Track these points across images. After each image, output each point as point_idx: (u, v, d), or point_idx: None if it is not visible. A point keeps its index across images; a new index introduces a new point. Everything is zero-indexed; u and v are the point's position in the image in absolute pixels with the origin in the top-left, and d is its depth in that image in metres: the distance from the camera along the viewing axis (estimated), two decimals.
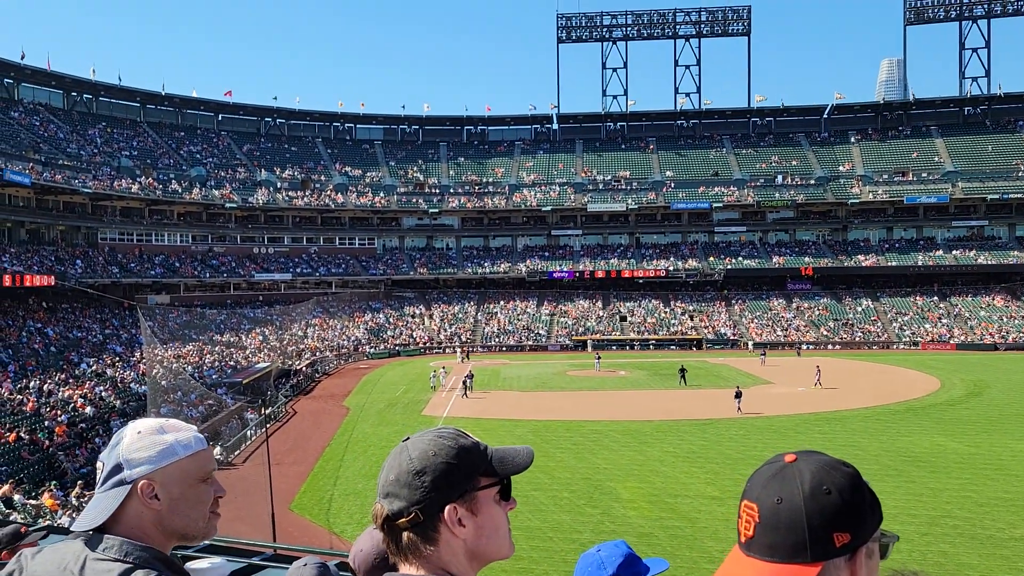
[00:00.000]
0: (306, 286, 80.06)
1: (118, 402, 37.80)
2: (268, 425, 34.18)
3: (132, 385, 41.64)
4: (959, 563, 18.25)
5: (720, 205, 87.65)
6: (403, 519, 1.52)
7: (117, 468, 1.77)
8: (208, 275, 74.00)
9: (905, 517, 21.73)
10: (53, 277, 53.68)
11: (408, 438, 1.61)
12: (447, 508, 1.53)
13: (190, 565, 1.79)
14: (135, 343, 51.68)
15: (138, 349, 49.49)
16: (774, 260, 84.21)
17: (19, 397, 34.16)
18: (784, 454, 1.43)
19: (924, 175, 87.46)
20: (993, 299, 77.49)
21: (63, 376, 39.58)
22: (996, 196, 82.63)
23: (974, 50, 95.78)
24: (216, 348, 56.57)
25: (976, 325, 73.59)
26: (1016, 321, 73.42)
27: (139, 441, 1.80)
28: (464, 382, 47.23)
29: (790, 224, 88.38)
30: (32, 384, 36.73)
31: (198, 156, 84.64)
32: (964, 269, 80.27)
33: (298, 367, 57.57)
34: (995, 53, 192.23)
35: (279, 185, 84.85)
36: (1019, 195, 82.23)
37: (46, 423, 31.53)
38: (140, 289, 67.09)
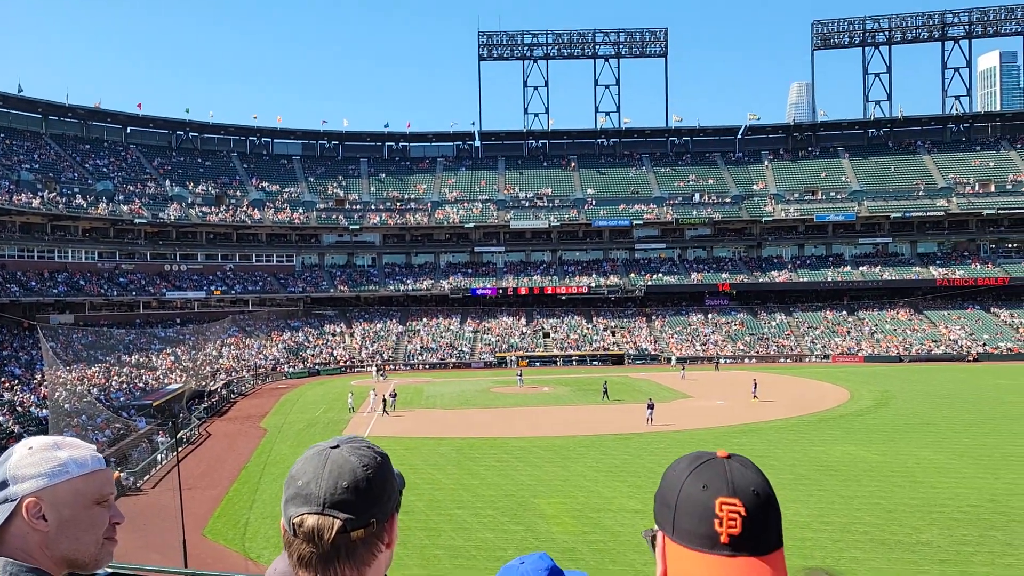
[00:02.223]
0: (221, 304, 77.71)
1: (16, 427, 35.79)
2: (180, 448, 32.83)
3: (32, 409, 39.52)
4: (870, 568, 18.73)
5: (640, 222, 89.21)
6: (360, 530, 1.45)
7: (3, 484, 1.61)
8: (116, 293, 71.06)
9: (818, 524, 22.25)
10: None
11: (338, 446, 1.52)
12: (391, 519, 1.53)
13: None
14: (36, 365, 49.11)
15: (39, 371, 47.03)
16: (693, 276, 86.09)
17: None
18: (703, 452, 1.45)
19: (832, 194, 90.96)
20: (898, 313, 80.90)
21: None
22: (899, 214, 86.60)
23: (876, 75, 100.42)
24: (124, 369, 54.29)
25: (882, 338, 76.61)
26: (919, 334, 76.76)
27: (29, 457, 1.65)
28: (385, 400, 46.51)
29: (708, 241, 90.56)
30: None
31: (105, 170, 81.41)
32: (870, 284, 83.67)
33: (213, 388, 55.72)
34: (897, 78, 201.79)
35: (192, 200, 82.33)
36: (920, 213, 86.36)
37: None
38: (42, 308, 63.90)
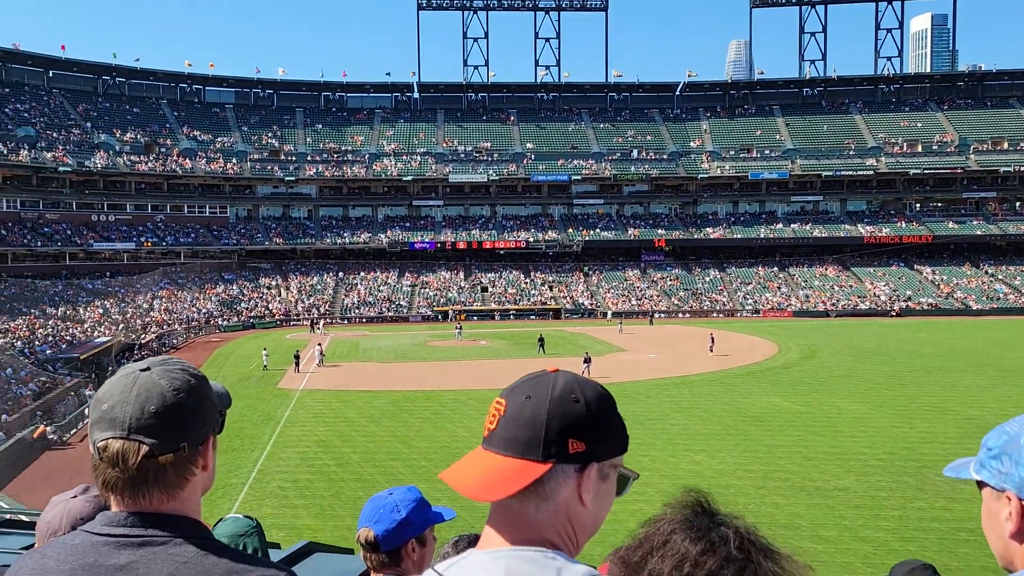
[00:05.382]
0: (152, 256, 75.75)
1: None
2: None
3: None
4: (790, 513, 19.58)
5: (579, 178, 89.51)
6: (170, 455, 1.42)
7: None
8: (40, 244, 68.62)
9: (742, 472, 23.10)
10: None
11: (149, 368, 1.48)
12: (206, 442, 1.51)
13: None
14: None
15: None
16: (630, 232, 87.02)
17: None
18: (549, 368, 1.47)
19: (767, 152, 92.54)
20: (826, 270, 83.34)
21: None
22: (830, 173, 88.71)
23: (812, 34, 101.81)
24: (50, 322, 52.69)
25: (811, 294, 78.92)
26: (846, 290, 79.31)
27: None
28: (318, 351, 46.56)
29: (645, 197, 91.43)
30: None
31: (26, 115, 77.82)
32: (801, 241, 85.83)
33: (143, 341, 54.55)
34: (832, 38, 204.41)
35: (120, 148, 79.48)
36: (850, 172, 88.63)
37: None
38: None
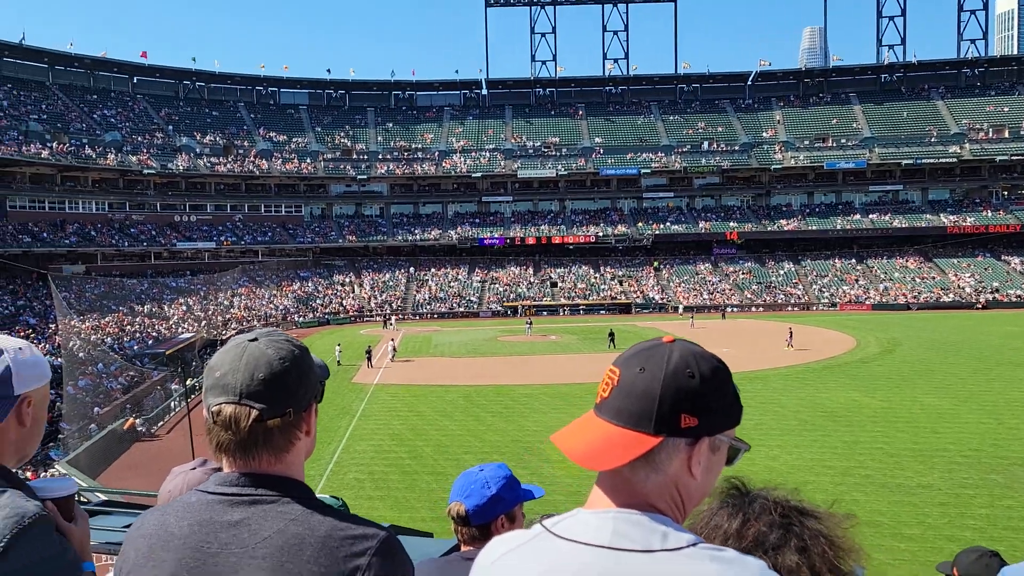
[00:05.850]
0: (231, 255, 78.17)
1: None
2: (191, 396, 33.42)
3: (47, 358, 40.05)
4: (870, 510, 19.08)
5: (648, 171, 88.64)
6: (277, 419, 1.52)
7: (1, 381, 1.72)
8: (127, 244, 71.51)
9: (820, 468, 22.63)
10: None
11: (256, 339, 1.59)
12: (309, 408, 1.59)
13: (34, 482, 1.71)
14: (49, 315, 49.73)
15: (53, 321, 47.66)
16: (701, 225, 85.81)
17: None
18: (665, 336, 1.47)
19: (843, 141, 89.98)
20: (907, 261, 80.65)
21: None
22: (910, 161, 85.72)
23: (891, 18, 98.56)
24: (137, 319, 54.92)
25: (891, 286, 76.51)
26: (928, 282, 76.63)
27: (22, 355, 1.77)
28: (391, 347, 47.46)
29: (716, 190, 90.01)
30: None
31: (112, 120, 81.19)
32: (880, 232, 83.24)
33: (224, 337, 56.33)
34: (911, 21, 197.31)
35: (200, 151, 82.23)
36: (931, 160, 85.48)
37: None
38: (54, 259, 64.37)
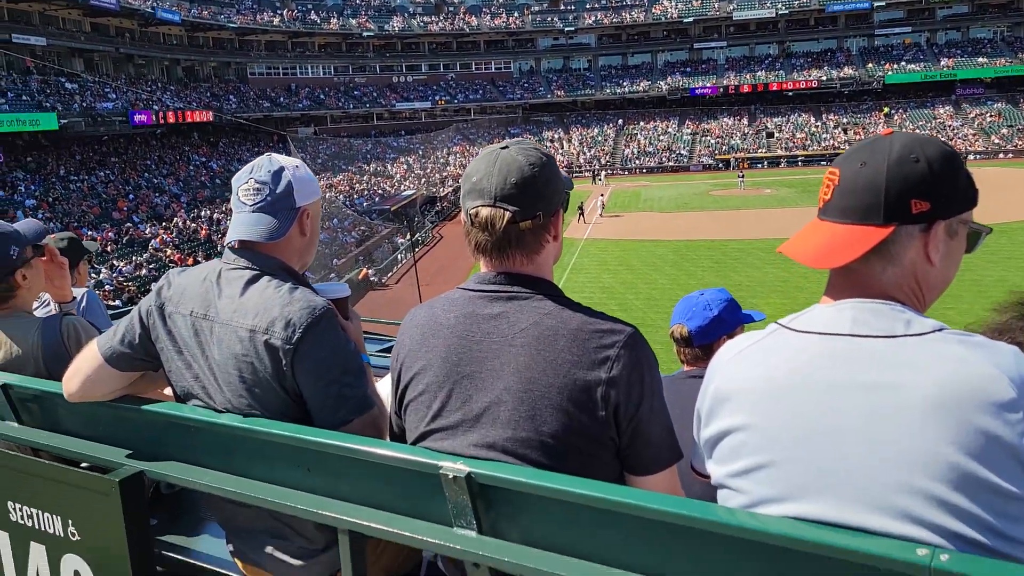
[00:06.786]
0: (445, 113, 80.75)
1: None
2: (416, 249, 35.97)
3: None
4: None
5: (882, 4, 79.52)
6: (528, 221, 1.61)
7: (285, 194, 1.98)
8: (352, 106, 75.82)
9: None
10: (211, 112, 56.66)
11: (507, 146, 1.69)
12: (556, 214, 1.73)
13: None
14: None
15: None
16: (942, 63, 76.75)
17: (193, 226, 37.45)
18: (883, 131, 1.41)
19: None
20: None
21: (228, 206, 42.69)
22: None
23: None
24: (364, 177, 58.90)
25: None
26: None
27: (299, 172, 2.04)
28: (600, 202, 47.86)
29: (963, 20, 79.38)
30: (203, 214, 40.02)
31: None
32: None
33: (442, 194, 59.28)
34: None
35: (413, 10, 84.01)
36: None
37: (218, 248, 34.60)
38: (289, 122, 69.81)
